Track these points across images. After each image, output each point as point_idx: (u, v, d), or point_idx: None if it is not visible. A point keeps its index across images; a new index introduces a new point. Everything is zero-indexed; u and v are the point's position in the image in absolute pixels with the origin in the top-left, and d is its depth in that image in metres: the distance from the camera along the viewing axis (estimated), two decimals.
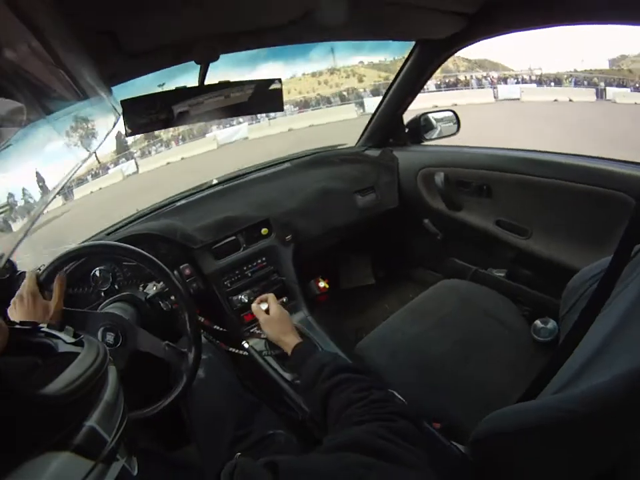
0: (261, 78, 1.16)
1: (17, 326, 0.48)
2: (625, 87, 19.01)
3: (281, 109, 1.22)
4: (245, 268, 1.40)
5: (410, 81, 1.62)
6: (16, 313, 0.84)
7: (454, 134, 1.87)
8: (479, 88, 21.84)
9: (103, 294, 1.23)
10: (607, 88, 18.24)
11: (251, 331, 1.34)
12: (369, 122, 1.83)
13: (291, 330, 0.97)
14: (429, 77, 1.65)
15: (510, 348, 1.18)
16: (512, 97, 19.31)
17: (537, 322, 1.33)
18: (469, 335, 1.20)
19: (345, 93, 21.38)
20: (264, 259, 1.43)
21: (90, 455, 0.38)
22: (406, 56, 1.56)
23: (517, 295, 1.47)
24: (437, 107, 2.20)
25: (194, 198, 1.51)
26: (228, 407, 0.97)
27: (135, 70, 1.05)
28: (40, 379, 0.38)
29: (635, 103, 14.76)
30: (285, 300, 1.42)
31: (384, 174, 1.74)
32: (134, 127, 1.07)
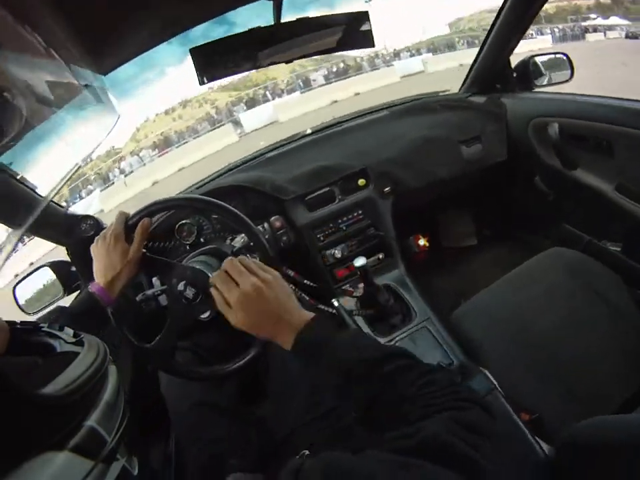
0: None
1: (18, 326, 0.48)
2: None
3: (373, 45, 1.08)
4: (339, 221, 1.31)
5: (516, 16, 1.39)
6: (97, 250, 0.83)
7: (567, 81, 1.60)
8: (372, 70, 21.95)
9: (188, 247, 1.22)
10: None
11: (343, 288, 1.29)
12: (472, 65, 1.63)
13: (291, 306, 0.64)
14: (538, 10, 1.39)
15: (618, 334, 1.02)
16: (414, 70, 19.68)
17: None
18: (574, 312, 1.05)
19: (214, 115, 20.41)
20: (360, 211, 1.32)
21: (90, 454, 0.38)
22: None
23: (632, 275, 1.26)
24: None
25: (286, 149, 1.45)
26: (303, 371, 0.88)
27: (201, 12, 0.97)
28: (40, 378, 0.38)
29: None
30: (380, 257, 1.32)
31: (491, 123, 1.53)
32: (207, 74, 1.00)
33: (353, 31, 1.05)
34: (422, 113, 1.57)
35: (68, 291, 1.29)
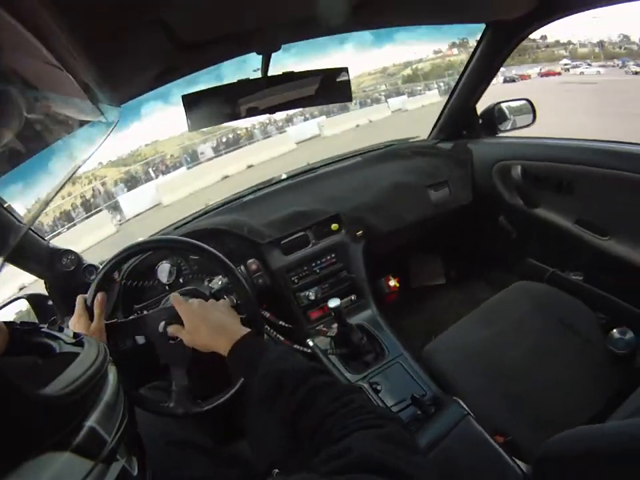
0: (326, 67, 1.10)
1: (17, 326, 0.47)
2: None
3: (350, 99, 1.15)
4: (313, 264, 1.36)
5: (482, 69, 1.51)
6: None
7: (529, 125, 1.72)
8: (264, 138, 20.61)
9: (167, 287, 1.24)
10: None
11: (317, 328, 1.32)
12: (441, 114, 1.73)
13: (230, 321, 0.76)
14: (501, 64, 1.52)
15: (584, 359, 1.09)
16: (309, 135, 18.80)
17: (614, 332, 1.19)
18: (541, 342, 1.12)
19: (90, 199, 16.74)
20: (333, 255, 1.38)
21: (90, 455, 0.37)
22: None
23: (595, 301, 1.34)
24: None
25: (262, 193, 1.49)
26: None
27: (195, 62, 1.03)
28: (40, 379, 0.38)
29: None
30: (353, 298, 1.38)
31: (457, 168, 1.63)
32: (196, 121, 1.05)
33: (332, 85, 1.11)
34: (393, 159, 1.64)
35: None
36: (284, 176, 1.59)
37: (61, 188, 0.49)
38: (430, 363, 1.16)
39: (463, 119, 1.70)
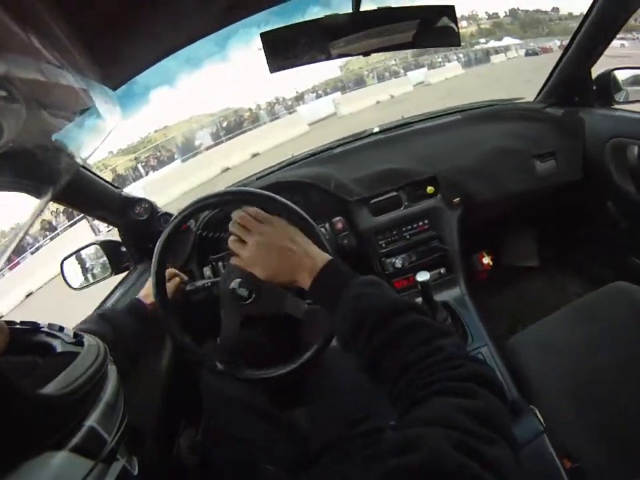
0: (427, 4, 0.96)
1: (17, 326, 0.47)
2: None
3: (458, 44, 1.00)
4: (404, 229, 1.25)
5: (603, 23, 1.30)
6: None
7: None
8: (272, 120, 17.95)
9: None
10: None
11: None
12: (550, 74, 1.53)
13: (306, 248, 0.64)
14: (629, 17, 1.28)
15: None
16: (324, 114, 16.87)
17: None
18: (634, 355, 0.96)
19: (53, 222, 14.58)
20: (426, 221, 1.26)
21: (90, 454, 0.38)
22: None
23: None
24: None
25: (353, 146, 1.39)
26: (351, 386, 0.87)
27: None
28: (40, 378, 0.38)
29: None
30: (442, 272, 1.25)
31: (567, 138, 1.44)
32: (278, 62, 0.94)
33: (436, 25, 0.97)
34: (496, 120, 1.48)
35: (116, 270, 1.30)
36: (376, 129, 1.49)
37: None
38: (513, 359, 1.05)
39: (576, 84, 1.50)
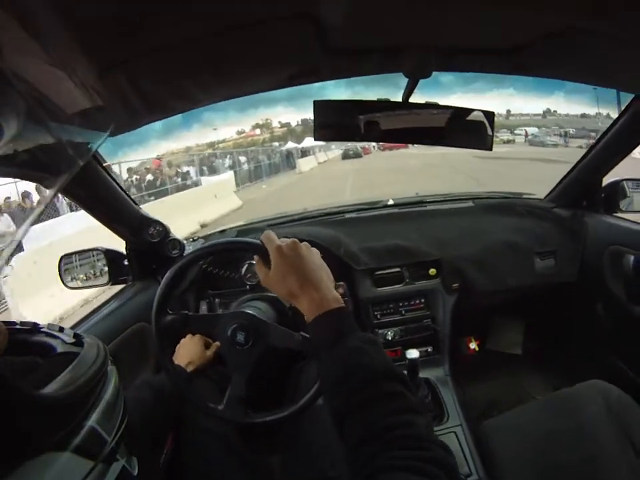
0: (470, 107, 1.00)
1: (17, 326, 0.48)
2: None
3: (489, 148, 1.04)
4: (400, 304, 1.30)
5: (620, 141, 1.37)
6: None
7: None
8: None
9: (248, 286, 1.21)
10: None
11: None
12: (564, 177, 1.59)
13: (324, 278, 0.64)
14: None
15: None
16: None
17: None
18: (602, 455, 0.98)
19: None
20: (423, 300, 1.31)
21: (90, 455, 0.38)
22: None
23: None
24: None
25: (366, 214, 1.44)
26: (327, 441, 0.86)
27: (336, 69, 0.96)
28: (40, 379, 0.38)
29: None
30: (429, 350, 1.29)
31: (569, 240, 1.50)
32: (324, 131, 0.98)
33: (475, 128, 1.01)
34: (506, 213, 1.54)
35: (114, 280, 1.30)
36: (391, 201, 1.53)
37: None
38: (485, 441, 1.08)
39: (586, 189, 1.57)
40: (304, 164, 20.23)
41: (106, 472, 0.40)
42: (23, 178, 0.58)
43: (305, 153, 23.42)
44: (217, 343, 0.97)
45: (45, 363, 0.43)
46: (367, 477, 0.41)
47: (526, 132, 23.57)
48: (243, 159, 16.35)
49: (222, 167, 14.71)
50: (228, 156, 16.02)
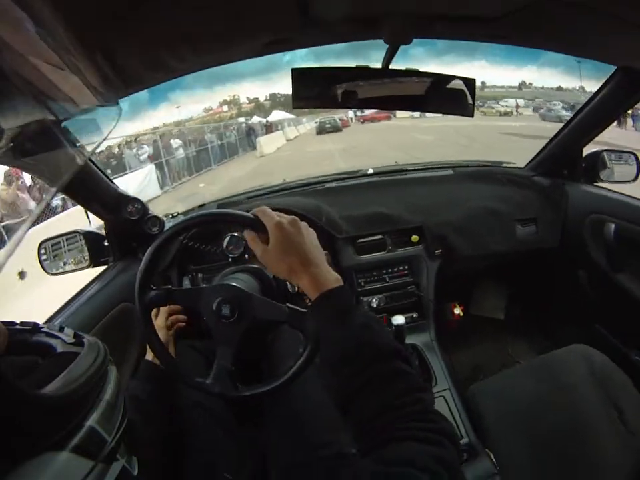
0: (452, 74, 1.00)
1: (17, 326, 0.47)
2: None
3: (470, 115, 1.04)
4: (384, 271, 1.30)
5: (602, 111, 1.38)
6: None
7: (631, 181, 1.58)
8: None
9: (230, 259, 1.20)
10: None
11: None
12: (544, 147, 1.61)
13: (320, 260, 0.62)
14: (624, 111, 1.40)
15: (626, 449, 0.97)
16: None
17: None
18: (586, 415, 1.02)
19: None
20: (407, 267, 1.32)
21: (90, 454, 0.38)
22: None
23: None
24: None
25: (346, 183, 1.44)
26: (313, 410, 0.87)
27: (315, 36, 0.94)
28: (40, 378, 0.38)
29: None
30: (414, 316, 1.30)
31: (549, 208, 1.52)
32: (302, 99, 0.98)
33: (456, 94, 1.02)
34: (486, 181, 1.55)
35: (95, 263, 1.28)
36: (371, 170, 1.53)
37: None
38: (473, 404, 1.11)
39: (567, 158, 1.58)
40: (267, 143, 15.74)
41: (106, 472, 0.40)
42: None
43: (269, 127, 19.62)
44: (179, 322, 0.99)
45: (45, 363, 0.43)
46: (383, 446, 0.45)
47: (517, 104, 23.27)
48: (176, 142, 11.52)
49: (134, 158, 10.02)
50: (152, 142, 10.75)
